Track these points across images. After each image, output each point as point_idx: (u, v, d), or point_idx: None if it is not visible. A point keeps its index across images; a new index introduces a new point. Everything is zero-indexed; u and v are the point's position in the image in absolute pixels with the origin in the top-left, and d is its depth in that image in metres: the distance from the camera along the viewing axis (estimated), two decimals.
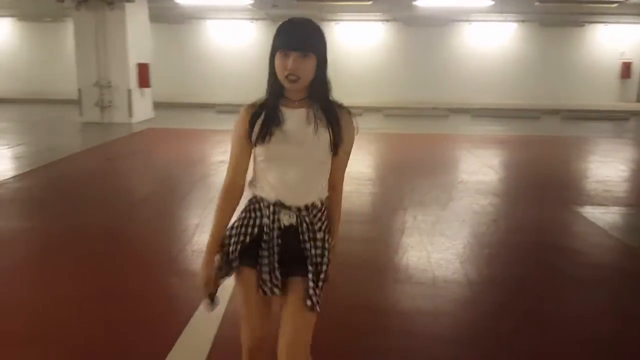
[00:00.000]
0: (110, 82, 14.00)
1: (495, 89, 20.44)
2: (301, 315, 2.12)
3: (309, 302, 2.09)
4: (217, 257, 2.22)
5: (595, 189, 7.86)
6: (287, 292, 2.16)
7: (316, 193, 2.16)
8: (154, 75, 15.10)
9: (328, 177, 2.20)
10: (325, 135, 2.07)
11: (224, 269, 2.20)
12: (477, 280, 4.55)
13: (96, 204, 6.75)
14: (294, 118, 2.08)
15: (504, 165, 10.21)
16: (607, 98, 20.42)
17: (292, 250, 2.14)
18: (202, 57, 21.09)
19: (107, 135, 12.05)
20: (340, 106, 2.14)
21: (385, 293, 4.37)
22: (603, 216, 6.37)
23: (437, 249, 5.15)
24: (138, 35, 14.40)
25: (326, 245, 2.17)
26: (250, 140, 2.11)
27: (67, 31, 17.28)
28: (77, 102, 14.41)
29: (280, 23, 2.06)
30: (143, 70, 14.49)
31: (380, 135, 12.74)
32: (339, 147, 2.09)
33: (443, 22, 20.12)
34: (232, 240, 2.18)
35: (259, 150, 2.12)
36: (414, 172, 8.98)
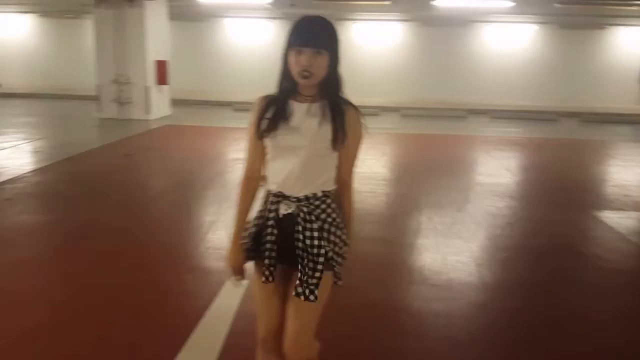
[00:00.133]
0: (128, 78, 14.07)
1: (514, 91, 20.27)
2: (300, 306, 2.18)
3: (294, 293, 2.16)
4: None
5: (614, 193, 7.77)
6: (290, 283, 2.23)
7: (315, 186, 2.18)
8: (171, 73, 15.15)
9: (332, 171, 2.22)
10: (328, 130, 2.11)
11: (245, 258, 2.31)
12: (492, 284, 4.51)
13: (113, 199, 6.80)
14: (301, 111, 2.13)
15: (521, 167, 10.13)
16: (627, 101, 20.14)
17: (290, 240, 2.18)
18: (220, 55, 21.15)
19: (124, 131, 12.12)
20: (348, 103, 2.17)
21: (400, 294, 4.34)
22: (622, 221, 6.29)
23: (453, 251, 5.11)
24: (157, 33, 14.47)
25: (325, 235, 2.17)
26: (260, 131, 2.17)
27: (88, 28, 17.41)
28: (95, 98, 14.52)
29: (294, 20, 2.11)
30: (161, 68, 14.55)
31: (396, 135, 12.69)
32: (339, 142, 2.12)
33: (462, 22, 19.99)
34: (248, 232, 2.28)
35: (267, 142, 2.17)
36: (430, 173, 8.93)
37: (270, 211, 2.20)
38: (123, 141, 10.95)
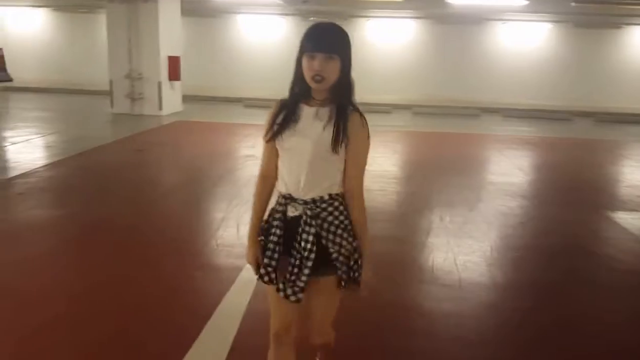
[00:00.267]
0: (141, 74, 14.10)
1: (527, 90, 20.13)
2: (322, 298, 2.35)
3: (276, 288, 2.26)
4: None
5: (627, 193, 7.70)
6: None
7: (321, 189, 2.21)
8: (183, 69, 15.18)
9: (336, 176, 2.23)
10: (330, 132, 2.15)
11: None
12: (503, 284, 4.48)
13: (124, 195, 6.81)
14: (310, 115, 2.19)
15: (534, 167, 10.06)
16: None
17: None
18: (231, 51, 21.15)
19: (136, 126, 12.16)
20: (354, 108, 2.20)
21: (410, 293, 4.32)
22: (635, 222, 6.23)
23: (464, 251, 5.08)
24: (170, 28, 14.48)
25: (325, 239, 2.20)
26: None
27: (101, 23, 17.43)
28: (108, 94, 14.57)
29: (308, 27, 2.18)
30: (174, 63, 14.56)
31: (408, 133, 12.64)
32: (338, 144, 2.13)
33: (476, 20, 19.86)
34: (262, 233, 2.35)
35: (277, 144, 2.24)
36: (441, 171, 8.88)
37: (277, 212, 2.27)
38: (135, 137, 10.98)
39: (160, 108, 14.25)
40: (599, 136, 14.13)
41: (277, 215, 2.26)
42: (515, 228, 6.00)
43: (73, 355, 3.22)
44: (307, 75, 2.12)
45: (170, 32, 14.53)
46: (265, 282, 2.30)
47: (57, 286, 4.16)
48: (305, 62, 2.12)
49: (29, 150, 9.15)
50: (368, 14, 19.94)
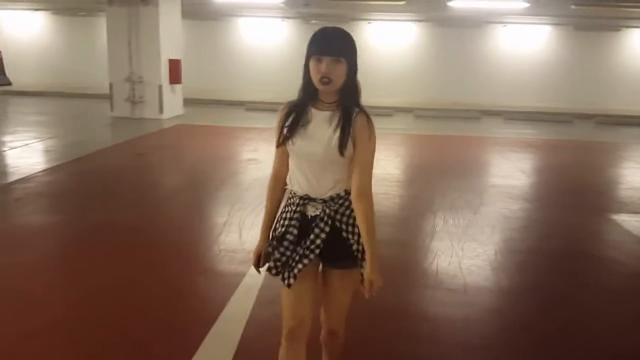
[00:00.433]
0: (141, 77, 14.08)
1: (528, 92, 20.15)
2: (339, 290, 2.44)
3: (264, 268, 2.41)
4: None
5: (629, 195, 7.68)
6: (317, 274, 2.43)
7: (337, 188, 2.29)
8: (184, 72, 15.15)
9: (345, 174, 2.28)
10: (337, 136, 2.20)
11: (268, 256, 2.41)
12: (508, 288, 4.46)
13: (125, 199, 6.79)
14: (319, 118, 2.25)
15: (536, 169, 10.04)
16: None
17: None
18: (233, 54, 21.16)
19: (137, 130, 12.13)
20: (361, 110, 2.24)
21: (414, 298, 4.30)
22: (638, 224, 6.21)
23: (468, 255, 5.05)
24: (170, 32, 14.46)
25: (350, 229, 2.30)
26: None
27: (101, 26, 17.44)
28: (108, 97, 14.55)
29: (314, 31, 2.23)
30: (174, 67, 14.55)
31: (410, 136, 12.63)
32: (345, 148, 2.18)
33: (477, 23, 19.88)
34: (275, 232, 2.40)
35: (288, 147, 2.30)
36: (444, 174, 8.86)
37: (295, 212, 2.32)
38: (135, 140, 10.96)
39: (161, 111, 14.22)
40: (600, 138, 14.12)
41: (296, 215, 2.31)
42: (519, 231, 5.98)
43: (77, 358, 3.20)
44: (315, 78, 2.17)
45: (171, 35, 14.51)
46: (273, 275, 2.33)
47: (62, 289, 4.16)
48: (312, 65, 2.17)
49: (28, 154, 9.11)
50: (369, 17, 19.94)
